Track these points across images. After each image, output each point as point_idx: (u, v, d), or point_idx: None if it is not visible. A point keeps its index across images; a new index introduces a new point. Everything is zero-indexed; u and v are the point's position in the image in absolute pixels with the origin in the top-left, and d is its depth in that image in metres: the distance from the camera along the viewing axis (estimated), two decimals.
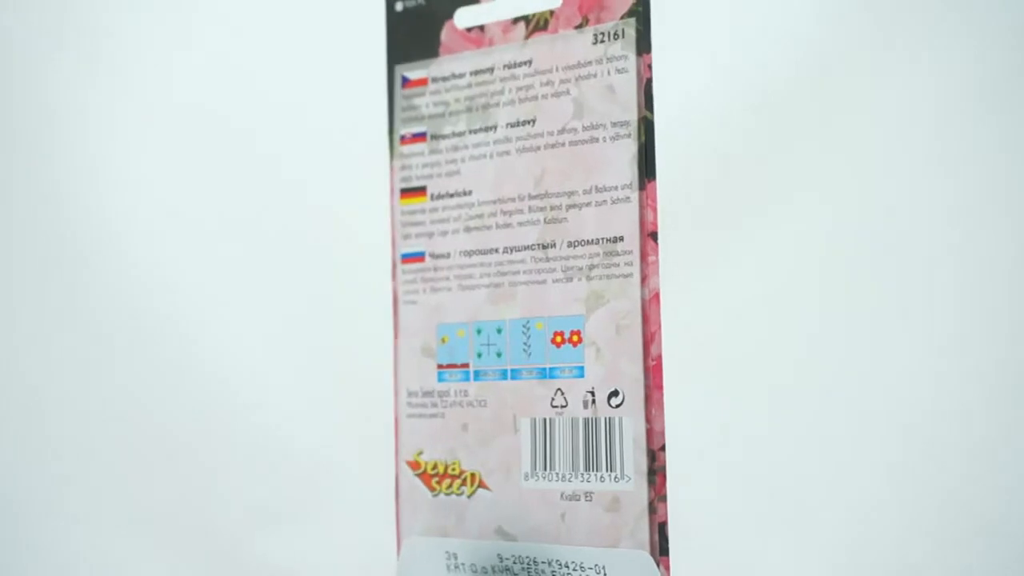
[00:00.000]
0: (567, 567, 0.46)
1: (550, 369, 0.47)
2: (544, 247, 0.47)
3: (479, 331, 0.49)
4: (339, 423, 0.69)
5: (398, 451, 0.51)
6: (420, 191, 0.51)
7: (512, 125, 0.48)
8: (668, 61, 0.47)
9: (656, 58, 0.45)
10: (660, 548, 0.44)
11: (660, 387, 0.45)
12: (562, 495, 0.46)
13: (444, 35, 0.50)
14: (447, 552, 0.49)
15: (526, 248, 0.48)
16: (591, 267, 0.46)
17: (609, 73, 0.46)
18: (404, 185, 0.51)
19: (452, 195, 0.50)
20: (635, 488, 0.45)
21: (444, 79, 0.50)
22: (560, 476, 0.47)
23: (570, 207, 0.47)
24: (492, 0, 0.49)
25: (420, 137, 0.51)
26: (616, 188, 0.46)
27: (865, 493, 0.58)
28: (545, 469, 0.47)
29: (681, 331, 0.47)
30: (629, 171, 0.45)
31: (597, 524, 0.46)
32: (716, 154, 0.60)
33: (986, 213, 0.57)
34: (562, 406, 0.47)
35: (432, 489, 0.50)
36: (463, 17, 0.50)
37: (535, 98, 0.48)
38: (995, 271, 0.57)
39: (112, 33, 0.73)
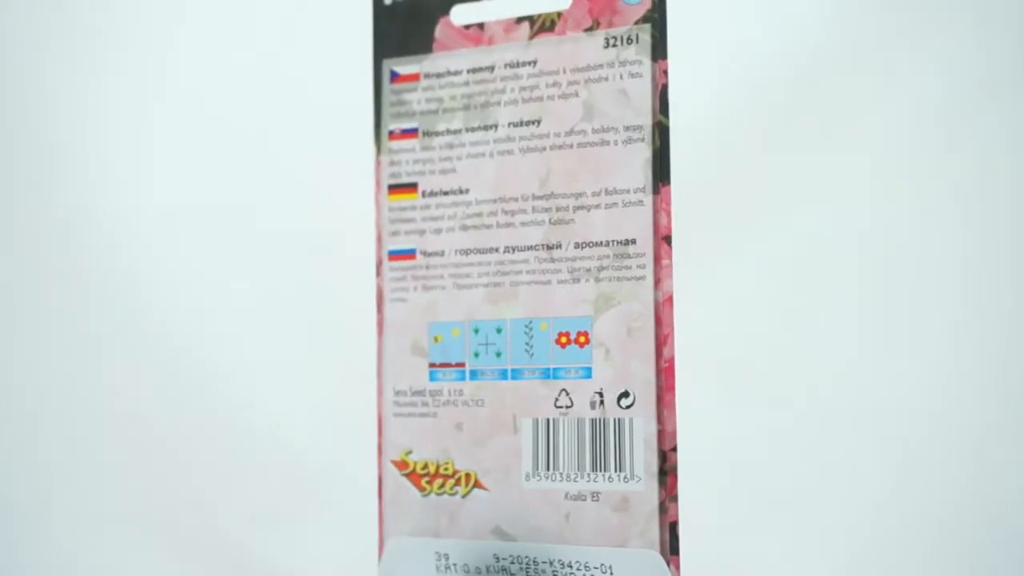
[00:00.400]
0: (570, 567, 0.46)
1: (554, 369, 0.47)
2: (549, 248, 0.47)
3: (476, 330, 0.48)
4: (324, 421, 0.67)
5: (382, 450, 0.50)
6: (410, 187, 0.50)
7: (515, 125, 0.48)
8: (684, 67, 0.47)
9: (672, 64, 0.45)
10: (671, 548, 0.45)
11: (672, 389, 0.45)
12: (567, 495, 0.47)
13: (439, 31, 0.50)
14: (437, 553, 0.48)
15: (529, 248, 0.48)
16: (600, 269, 0.46)
17: (622, 77, 0.47)
18: (392, 181, 0.51)
19: (446, 193, 0.49)
20: (645, 488, 0.45)
21: (438, 75, 0.50)
22: (565, 476, 0.47)
23: (577, 208, 0.47)
24: None
25: (411, 133, 0.50)
26: (628, 191, 0.46)
27: (875, 495, 0.60)
28: (548, 469, 0.47)
29: (694, 334, 0.47)
30: (642, 175, 0.46)
31: (605, 524, 0.46)
32: (730, 159, 0.61)
33: (995, 211, 0.60)
34: (567, 406, 0.47)
35: (422, 489, 0.49)
36: (461, 14, 0.50)
37: (540, 99, 0.48)
38: (1011, 270, 0.59)
39: (98, 29, 0.70)
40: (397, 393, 0.50)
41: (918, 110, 0.60)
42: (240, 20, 0.70)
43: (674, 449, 0.45)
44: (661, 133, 0.46)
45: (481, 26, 0.49)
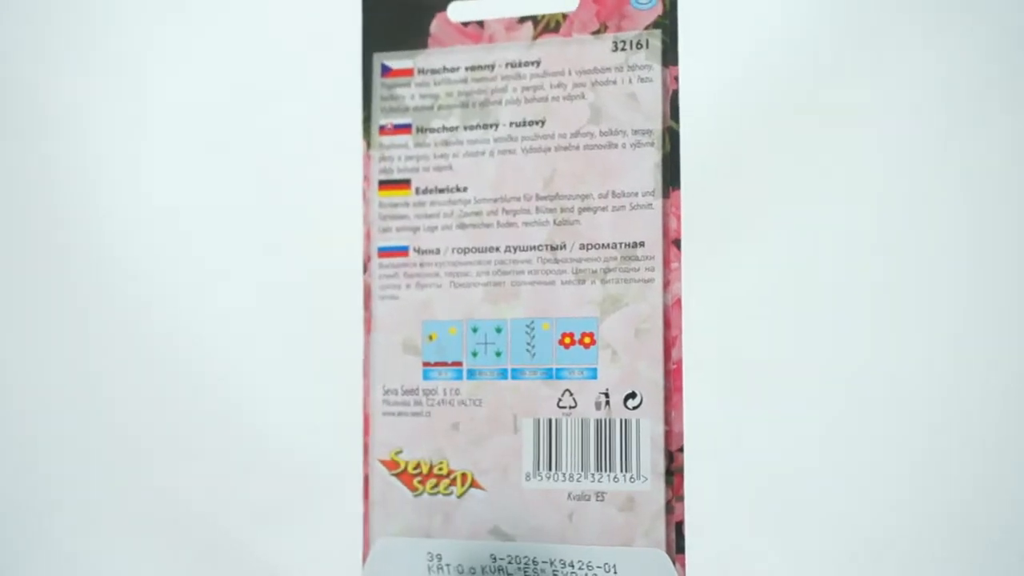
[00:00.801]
0: (571, 566, 0.46)
1: (557, 370, 0.47)
2: (553, 248, 0.47)
3: (475, 329, 0.48)
4: (310, 420, 0.65)
5: (369, 450, 0.50)
6: (403, 184, 0.50)
7: (517, 124, 0.48)
8: (695, 73, 0.48)
9: (683, 70, 0.46)
10: (676, 547, 0.46)
11: (680, 390, 0.46)
12: (570, 495, 0.47)
13: (434, 27, 0.50)
14: (429, 553, 0.48)
15: (532, 248, 0.48)
16: (607, 270, 0.47)
17: (631, 81, 0.47)
18: (384, 177, 0.50)
19: (442, 190, 0.49)
20: (652, 488, 0.46)
21: (434, 71, 0.49)
22: (568, 476, 0.47)
23: (583, 210, 0.47)
24: None
25: (404, 129, 0.50)
26: (636, 194, 0.47)
27: (880, 495, 0.62)
28: (550, 469, 0.47)
29: (702, 336, 0.48)
30: (652, 178, 0.47)
31: (610, 524, 0.46)
32: (740, 165, 0.62)
33: (1001, 211, 0.62)
34: (570, 407, 0.47)
35: (414, 489, 0.49)
36: (459, 11, 0.49)
37: (545, 99, 0.48)
38: (1018, 269, 0.61)
39: (81, 23, 0.68)
40: (387, 392, 0.49)
41: (926, 114, 0.62)
42: (226, 9, 0.68)
43: (680, 450, 0.46)
44: (671, 138, 0.46)
45: (480, 24, 0.49)
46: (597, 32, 0.48)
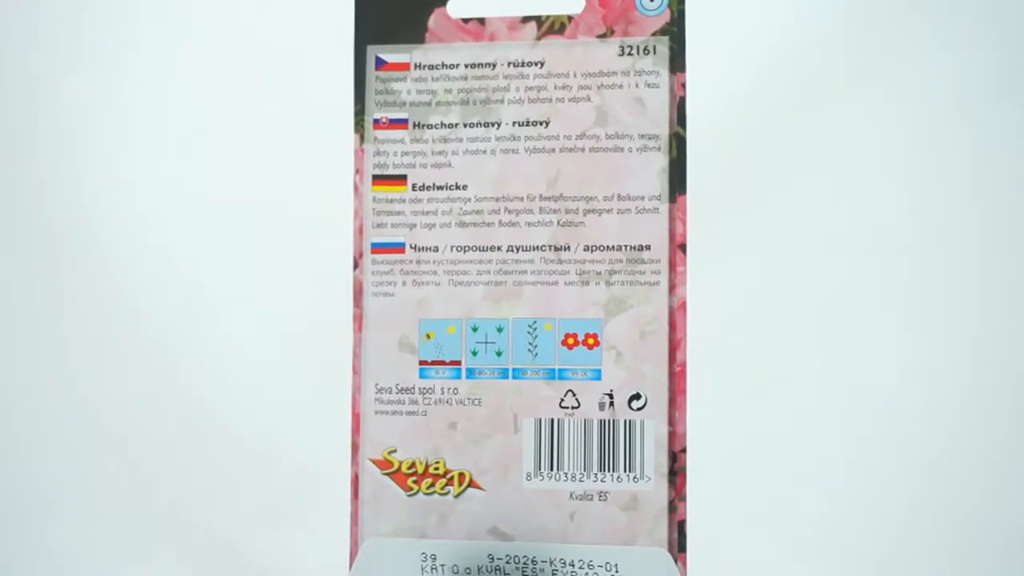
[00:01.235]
0: (571, 565, 0.47)
1: (559, 370, 0.48)
2: (557, 249, 0.48)
3: (475, 328, 0.48)
4: (299, 418, 0.63)
5: (359, 449, 0.49)
6: (399, 179, 0.49)
7: (521, 124, 0.48)
8: (702, 81, 0.49)
9: (690, 77, 0.47)
10: (679, 545, 0.47)
11: (684, 392, 0.47)
12: (572, 495, 0.47)
13: (432, 22, 0.49)
14: (423, 553, 0.48)
15: (535, 249, 0.48)
16: (611, 273, 0.47)
17: (638, 86, 0.48)
18: (378, 172, 0.49)
19: (440, 187, 0.49)
20: (655, 488, 0.47)
21: (432, 67, 0.49)
22: (570, 476, 0.47)
23: (588, 212, 0.48)
24: None
25: (400, 124, 0.49)
26: (643, 198, 0.47)
27: (882, 495, 0.63)
28: (552, 469, 0.47)
29: (706, 339, 0.49)
30: (658, 183, 0.47)
31: (612, 523, 0.47)
32: (745, 171, 0.63)
33: (1004, 210, 0.63)
34: (573, 407, 0.47)
35: (407, 489, 0.48)
36: (459, 7, 0.49)
37: (549, 100, 0.48)
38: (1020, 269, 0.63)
39: (68, 19, 0.64)
40: (380, 390, 0.48)
41: (933, 122, 0.64)
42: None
43: (683, 450, 0.47)
44: (678, 144, 0.47)
45: (481, 21, 0.49)
46: (603, 36, 0.48)
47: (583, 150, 0.48)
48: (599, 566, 0.46)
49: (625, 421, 0.47)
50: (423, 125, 0.49)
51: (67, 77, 0.68)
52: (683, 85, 0.48)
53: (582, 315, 0.47)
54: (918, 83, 0.64)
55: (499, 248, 0.48)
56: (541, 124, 0.48)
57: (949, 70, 0.64)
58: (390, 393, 0.48)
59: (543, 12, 0.49)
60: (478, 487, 0.48)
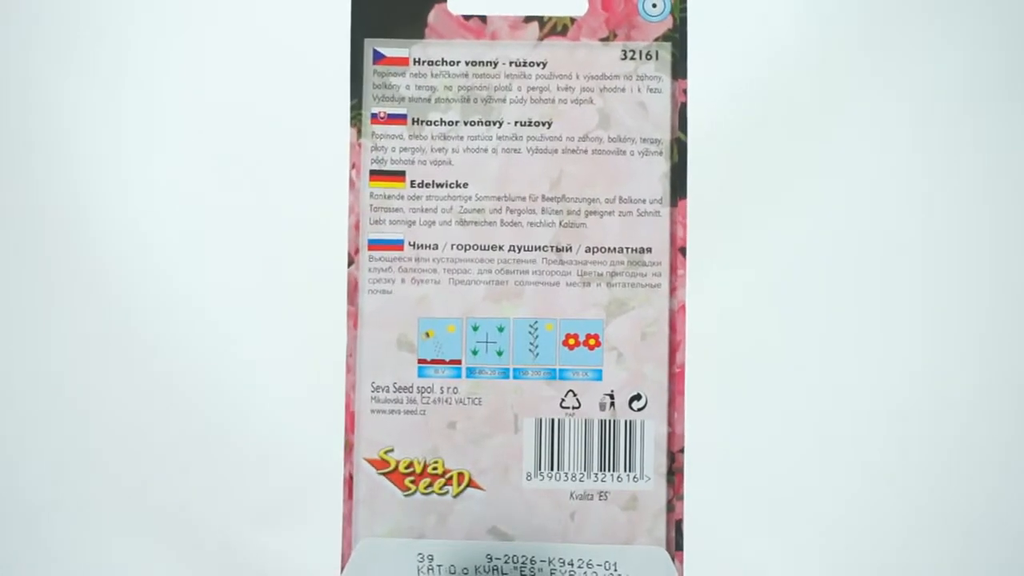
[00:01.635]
0: (570, 564, 0.47)
1: (560, 370, 0.48)
2: (558, 250, 0.48)
3: (475, 327, 0.48)
4: (294, 416, 0.61)
5: (354, 448, 0.48)
6: (397, 175, 0.49)
7: (523, 124, 0.48)
8: (703, 87, 0.50)
9: (692, 84, 0.48)
10: (676, 544, 0.48)
11: (682, 393, 0.48)
12: (572, 495, 0.48)
13: (432, 17, 0.49)
14: (420, 554, 0.47)
15: (537, 249, 0.48)
16: (613, 274, 0.48)
17: (640, 91, 0.48)
18: (376, 167, 0.49)
19: (440, 185, 0.48)
20: (654, 488, 0.48)
21: (432, 63, 0.49)
22: (570, 476, 0.48)
23: (590, 213, 0.48)
24: None
25: (399, 119, 0.49)
26: (644, 201, 0.48)
27: (875, 495, 0.64)
28: (552, 469, 0.48)
29: (705, 340, 0.50)
30: (660, 187, 0.48)
31: (612, 523, 0.47)
32: (745, 178, 0.63)
33: (1003, 210, 0.65)
34: (574, 407, 0.48)
35: (405, 489, 0.48)
36: (460, 4, 0.49)
37: (551, 101, 0.48)
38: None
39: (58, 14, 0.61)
40: (376, 389, 0.48)
41: (932, 127, 0.65)
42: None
43: (682, 450, 0.48)
44: (679, 149, 0.48)
45: (483, 19, 0.49)
46: (606, 39, 0.48)
47: (586, 152, 0.48)
48: (598, 565, 0.47)
49: (626, 421, 0.47)
50: (422, 121, 0.48)
51: (60, 73, 0.65)
52: (684, 91, 0.48)
53: (583, 316, 0.48)
54: (918, 92, 0.66)
55: (501, 247, 0.48)
56: (543, 125, 0.48)
57: (947, 77, 0.66)
58: (387, 392, 0.48)
59: (545, 13, 0.49)
60: (477, 487, 0.47)
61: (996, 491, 0.67)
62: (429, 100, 0.48)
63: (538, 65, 0.48)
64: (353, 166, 0.48)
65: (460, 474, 0.47)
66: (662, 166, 0.48)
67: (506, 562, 0.47)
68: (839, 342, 0.66)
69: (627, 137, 0.48)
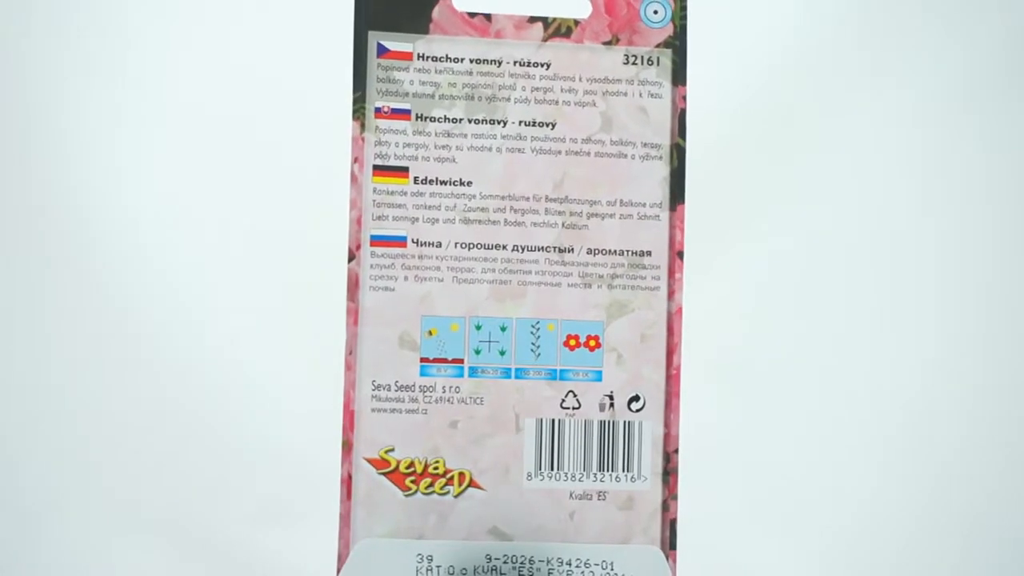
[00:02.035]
0: (568, 564, 0.48)
1: (561, 371, 0.48)
2: (561, 251, 0.48)
3: (478, 327, 0.48)
4: (292, 414, 0.58)
5: (353, 448, 0.48)
6: (400, 171, 0.48)
7: (527, 124, 0.48)
8: (701, 94, 0.51)
9: (690, 91, 0.49)
10: (670, 543, 0.49)
11: (678, 394, 0.49)
12: (572, 494, 0.48)
13: (437, 13, 0.49)
14: (420, 555, 0.47)
15: (540, 249, 0.48)
16: (613, 276, 0.49)
17: (641, 95, 0.49)
18: (379, 162, 0.48)
19: (444, 182, 0.48)
20: (651, 488, 0.48)
21: (436, 59, 0.48)
22: (570, 476, 0.48)
23: (592, 215, 0.49)
24: None
25: (403, 114, 0.48)
26: (644, 205, 0.49)
27: (863, 494, 0.64)
28: (552, 469, 0.48)
29: (700, 342, 0.51)
30: (660, 191, 0.49)
31: (610, 522, 0.48)
32: (741, 183, 0.63)
33: (1000, 211, 0.66)
34: (574, 408, 0.48)
35: (405, 489, 0.47)
36: (466, 1, 0.49)
37: (555, 102, 0.49)
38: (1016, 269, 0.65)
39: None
40: (378, 387, 0.47)
41: (926, 137, 0.66)
42: None
43: (676, 451, 0.49)
44: (678, 154, 0.49)
45: (488, 17, 0.49)
46: (608, 43, 0.49)
47: (588, 154, 0.48)
48: (595, 565, 0.47)
49: (624, 422, 0.48)
50: (426, 117, 0.48)
51: (60, 67, 0.62)
52: (684, 97, 0.49)
53: (584, 317, 0.48)
54: (915, 100, 0.68)
55: (504, 247, 0.48)
56: (547, 125, 0.48)
57: (944, 86, 0.68)
58: (389, 390, 0.47)
59: (550, 14, 0.49)
60: (478, 487, 0.47)
61: (976, 487, 0.69)
62: (433, 96, 0.48)
63: (542, 66, 0.48)
64: (356, 160, 0.47)
65: (461, 474, 0.47)
66: (662, 171, 0.49)
67: (505, 562, 0.47)
68: (831, 345, 0.68)
69: (628, 141, 0.48)
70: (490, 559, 0.47)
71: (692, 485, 0.49)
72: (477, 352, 0.47)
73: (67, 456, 0.63)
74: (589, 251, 0.48)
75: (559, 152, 0.48)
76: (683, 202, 0.49)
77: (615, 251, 0.48)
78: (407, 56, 0.48)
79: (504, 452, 0.47)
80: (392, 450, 0.47)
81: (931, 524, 0.69)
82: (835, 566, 0.67)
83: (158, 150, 0.64)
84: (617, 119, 0.48)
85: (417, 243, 0.47)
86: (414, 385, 0.47)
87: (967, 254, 0.69)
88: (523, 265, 0.48)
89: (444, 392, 0.47)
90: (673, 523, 0.48)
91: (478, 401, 0.47)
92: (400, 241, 0.47)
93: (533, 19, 0.49)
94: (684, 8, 0.49)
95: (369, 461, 0.47)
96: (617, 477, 0.48)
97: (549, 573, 0.47)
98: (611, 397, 0.48)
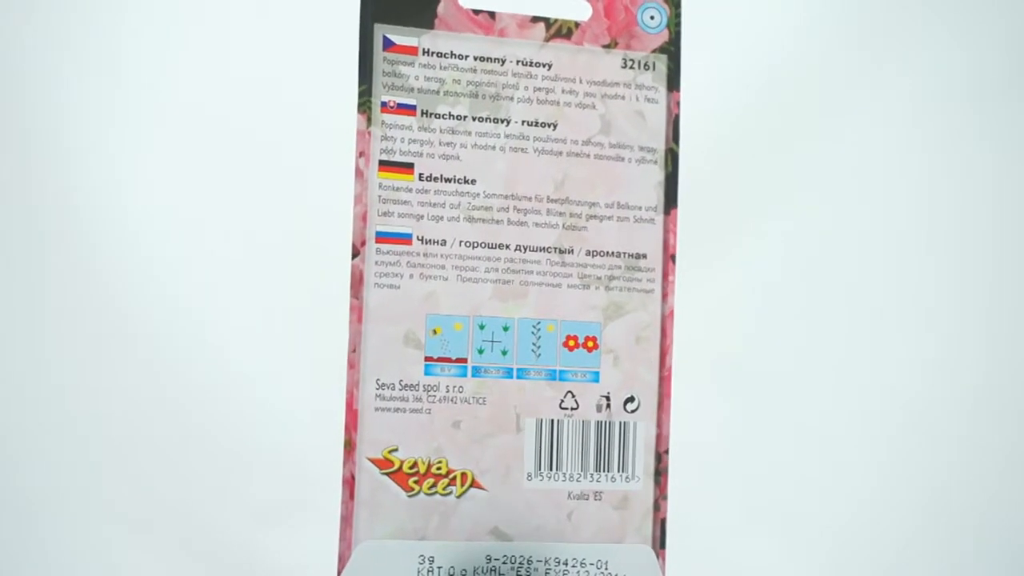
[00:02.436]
0: (565, 564, 0.48)
1: (560, 371, 0.49)
2: (562, 252, 0.49)
3: (482, 326, 0.48)
4: (295, 413, 0.55)
5: (355, 447, 0.47)
6: (405, 168, 0.48)
7: (530, 124, 0.49)
8: (694, 101, 0.52)
9: (684, 97, 0.50)
10: (660, 542, 0.50)
11: (669, 395, 0.50)
12: (570, 494, 0.48)
13: (442, 8, 0.48)
14: (421, 556, 0.47)
15: (542, 250, 0.49)
16: (611, 278, 0.49)
17: (638, 100, 0.50)
18: (385, 157, 0.48)
19: (449, 180, 0.48)
20: (643, 488, 0.49)
21: (440, 55, 0.48)
22: (568, 476, 0.49)
23: (591, 217, 0.49)
24: None
25: (408, 110, 0.48)
26: (640, 208, 0.50)
27: (851, 493, 0.64)
28: (552, 469, 0.48)
29: (692, 345, 0.51)
30: (655, 195, 0.50)
31: (606, 522, 0.49)
32: (733, 188, 0.62)
33: (1000, 210, 0.66)
34: (572, 408, 0.49)
35: (408, 489, 0.47)
36: None
37: (557, 103, 0.49)
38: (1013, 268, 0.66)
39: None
40: (382, 386, 0.47)
41: (918, 141, 0.67)
42: None
43: (667, 451, 0.50)
44: (672, 159, 0.50)
45: (492, 15, 0.49)
46: (607, 46, 0.49)
47: (588, 156, 0.49)
48: (591, 564, 0.48)
49: (620, 423, 0.49)
50: (431, 114, 0.47)
51: (59, 67, 0.59)
52: (678, 103, 0.50)
53: (583, 318, 0.48)
54: (907, 107, 0.69)
55: (508, 247, 0.48)
56: (549, 126, 0.48)
57: (941, 93, 0.69)
58: (393, 389, 0.47)
59: (552, 15, 0.49)
60: (480, 487, 0.47)
61: (972, 486, 0.71)
62: (438, 92, 0.47)
63: (544, 66, 0.49)
64: (361, 154, 0.47)
65: (464, 474, 0.47)
66: (657, 175, 0.49)
67: (504, 562, 0.47)
68: (824, 347, 0.69)
69: (626, 144, 0.49)
70: (490, 559, 0.47)
71: (683, 485, 0.50)
72: (480, 352, 0.47)
73: (68, 456, 0.61)
74: (588, 252, 0.48)
75: (560, 153, 0.48)
76: (676, 206, 0.49)
77: (612, 253, 0.49)
78: (413, 51, 0.47)
79: (505, 452, 0.47)
80: (396, 450, 0.46)
81: (932, 524, 0.70)
82: (823, 564, 0.69)
83: (160, 145, 0.62)
84: (615, 122, 0.49)
85: (422, 240, 0.47)
86: (419, 384, 0.47)
87: (967, 255, 0.70)
88: (525, 265, 0.48)
89: (448, 392, 0.47)
90: (663, 522, 0.49)
91: (481, 401, 0.47)
92: (406, 238, 0.47)
93: (536, 19, 0.49)
94: (679, 14, 0.50)
95: (372, 461, 0.46)
96: (612, 477, 0.48)
97: (546, 573, 0.47)
98: (608, 398, 0.48)
